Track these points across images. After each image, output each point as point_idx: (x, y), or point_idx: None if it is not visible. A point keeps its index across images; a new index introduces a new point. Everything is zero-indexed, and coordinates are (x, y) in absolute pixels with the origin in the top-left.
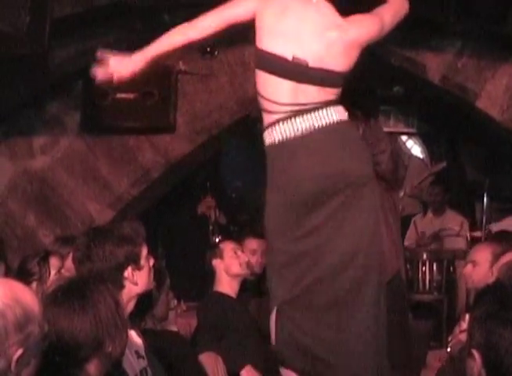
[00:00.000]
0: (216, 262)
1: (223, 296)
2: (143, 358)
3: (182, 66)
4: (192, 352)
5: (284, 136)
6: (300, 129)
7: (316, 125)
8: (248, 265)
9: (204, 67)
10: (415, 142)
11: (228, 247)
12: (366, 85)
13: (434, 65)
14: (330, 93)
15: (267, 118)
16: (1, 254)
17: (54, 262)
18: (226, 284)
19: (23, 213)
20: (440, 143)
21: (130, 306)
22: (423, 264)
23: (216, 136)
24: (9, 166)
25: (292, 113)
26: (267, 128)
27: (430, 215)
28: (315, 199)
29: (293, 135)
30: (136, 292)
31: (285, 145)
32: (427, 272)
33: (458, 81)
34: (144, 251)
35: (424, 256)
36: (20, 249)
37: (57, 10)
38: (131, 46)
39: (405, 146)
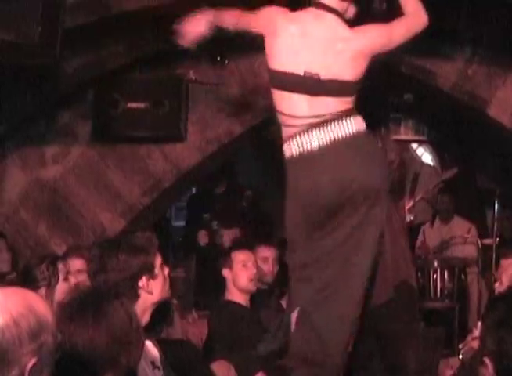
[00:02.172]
0: (225, 272)
1: (234, 305)
2: (159, 368)
3: (192, 75)
4: (204, 360)
5: (303, 149)
6: (318, 141)
7: (334, 137)
8: (255, 278)
9: (215, 76)
10: (425, 150)
11: (238, 258)
12: (377, 93)
13: (445, 73)
14: (346, 102)
15: (286, 132)
16: (14, 263)
17: (61, 267)
18: (237, 293)
19: (35, 222)
20: (451, 151)
21: (146, 317)
22: (435, 272)
23: (227, 145)
24: (21, 176)
25: (310, 126)
26: (286, 141)
27: (437, 223)
28: (331, 208)
29: (311, 147)
30: (152, 302)
31: (303, 157)
32: (438, 279)
33: (468, 88)
34: (158, 261)
35: (435, 264)
36: (32, 258)
37: (68, 21)
38: (141, 56)
39: (416, 154)
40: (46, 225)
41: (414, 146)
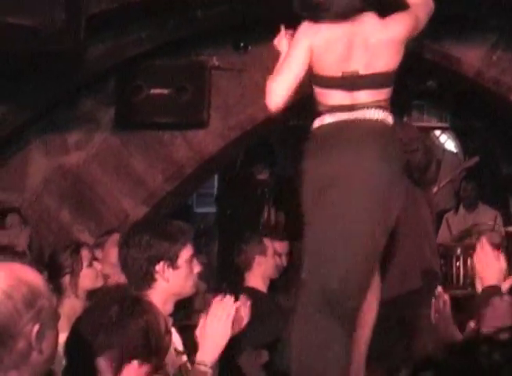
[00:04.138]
0: (259, 259)
1: (255, 291)
2: (182, 354)
3: (215, 61)
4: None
5: (327, 122)
6: (343, 118)
7: (356, 117)
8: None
9: (238, 63)
10: (448, 137)
11: (274, 247)
12: (400, 80)
13: (469, 59)
14: (382, 93)
15: (318, 111)
16: (31, 240)
17: (85, 253)
18: (260, 280)
19: (57, 209)
20: (474, 138)
21: (168, 306)
22: (457, 259)
23: (250, 132)
24: (44, 162)
25: (341, 109)
26: (316, 118)
27: (462, 211)
28: (330, 181)
29: (335, 120)
30: (171, 292)
31: (321, 131)
32: (461, 267)
33: (492, 74)
34: (185, 253)
35: (458, 251)
36: (55, 244)
37: (92, 7)
38: (164, 42)
39: (439, 141)
40: (69, 212)
41: (437, 133)
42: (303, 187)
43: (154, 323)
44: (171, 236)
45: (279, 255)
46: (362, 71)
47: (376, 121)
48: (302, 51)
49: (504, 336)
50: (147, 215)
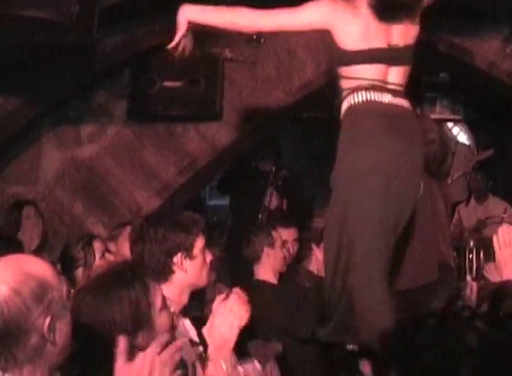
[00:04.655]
0: (268, 251)
1: (265, 284)
2: (198, 345)
3: (228, 53)
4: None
5: (366, 99)
6: (378, 99)
7: (403, 104)
8: (288, 259)
9: (251, 55)
10: (461, 129)
11: (279, 240)
12: (413, 72)
13: (482, 51)
14: (406, 73)
15: (348, 85)
16: (44, 232)
17: (98, 245)
18: (270, 272)
19: (70, 201)
20: (486, 130)
21: (184, 298)
22: (470, 251)
23: (262, 124)
24: (57, 155)
25: (375, 86)
26: (347, 95)
27: (473, 203)
28: (382, 167)
29: (384, 100)
30: (188, 283)
31: (366, 107)
32: (474, 259)
33: (506, 67)
34: (199, 243)
35: (471, 244)
36: (68, 237)
37: None
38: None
39: (451, 133)
40: (82, 204)
41: (449, 125)
42: (340, 169)
43: (143, 297)
44: (185, 227)
45: (284, 243)
46: (402, 43)
47: (410, 110)
48: (310, 17)
49: (433, 321)
50: (160, 207)
